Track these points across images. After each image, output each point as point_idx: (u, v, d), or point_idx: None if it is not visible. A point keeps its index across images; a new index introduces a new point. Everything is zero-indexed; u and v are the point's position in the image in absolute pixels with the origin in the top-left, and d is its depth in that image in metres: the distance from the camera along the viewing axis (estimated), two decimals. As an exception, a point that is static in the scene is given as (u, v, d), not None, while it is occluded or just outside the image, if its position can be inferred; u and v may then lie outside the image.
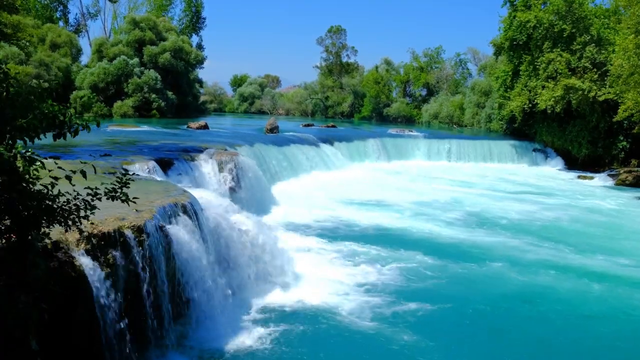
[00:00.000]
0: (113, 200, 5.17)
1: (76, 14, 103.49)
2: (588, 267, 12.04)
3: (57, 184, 4.69)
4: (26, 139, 4.46)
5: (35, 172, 4.56)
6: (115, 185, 5.19)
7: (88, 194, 5.02)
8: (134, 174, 5.63)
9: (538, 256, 12.74)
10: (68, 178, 4.72)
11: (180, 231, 7.67)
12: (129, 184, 5.26)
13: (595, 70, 29.07)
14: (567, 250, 13.38)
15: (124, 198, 5.19)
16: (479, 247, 13.31)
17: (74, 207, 4.87)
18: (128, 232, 6.56)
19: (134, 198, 5.35)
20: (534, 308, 9.71)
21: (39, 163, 4.52)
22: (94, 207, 5.02)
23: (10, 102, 4.26)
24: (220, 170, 15.04)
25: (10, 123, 4.24)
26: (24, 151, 4.45)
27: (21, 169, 4.47)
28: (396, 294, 9.85)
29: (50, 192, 4.68)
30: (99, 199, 5.07)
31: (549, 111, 30.40)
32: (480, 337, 8.48)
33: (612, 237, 15.23)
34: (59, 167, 4.72)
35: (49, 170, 4.65)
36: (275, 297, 9.35)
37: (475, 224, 15.99)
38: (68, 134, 4.61)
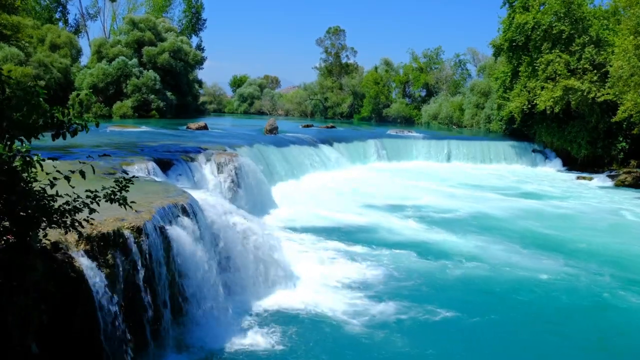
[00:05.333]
0: (112, 203, 5.18)
1: (75, 14, 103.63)
2: (587, 269, 11.98)
3: (55, 184, 4.69)
4: (24, 139, 4.45)
5: (33, 170, 4.56)
6: (115, 188, 5.20)
7: (87, 197, 5.03)
8: (133, 176, 5.63)
9: (537, 258, 12.68)
10: (67, 179, 4.72)
11: (180, 232, 7.66)
12: (128, 187, 5.27)
13: (595, 71, 29.09)
14: (566, 252, 13.32)
15: (122, 202, 5.20)
16: (479, 250, 13.24)
17: (73, 210, 4.87)
18: (127, 233, 6.56)
19: (131, 202, 5.35)
20: (534, 311, 9.66)
21: (38, 164, 4.52)
22: (93, 210, 5.02)
23: (7, 102, 4.26)
24: (220, 171, 15.04)
25: (8, 121, 4.23)
26: (23, 151, 4.45)
27: (20, 169, 4.47)
28: (397, 296, 9.83)
29: (48, 194, 4.68)
30: (98, 203, 5.08)
31: (548, 112, 30.42)
32: (483, 342, 8.44)
33: (613, 238, 15.18)
34: (58, 171, 4.71)
35: (47, 174, 4.65)
36: (275, 298, 9.34)
37: (473, 225, 15.90)
38: (67, 134, 4.60)
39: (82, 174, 4.77)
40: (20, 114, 4.27)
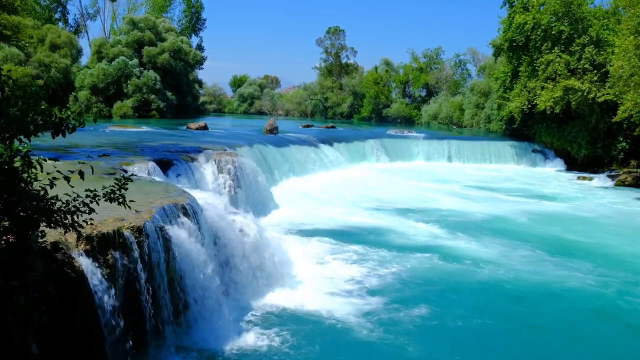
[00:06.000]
0: (111, 202, 5.19)
1: (75, 14, 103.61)
2: (615, 276, 11.61)
3: (55, 184, 4.69)
4: (23, 138, 4.45)
5: (33, 171, 4.56)
6: (114, 187, 5.21)
7: (87, 196, 5.03)
8: (132, 174, 5.64)
9: (562, 264, 12.36)
10: (67, 179, 4.72)
11: (180, 232, 7.66)
12: (127, 185, 5.27)
13: (595, 71, 29.09)
14: (591, 257, 13.00)
15: (121, 200, 5.21)
16: (500, 255, 12.81)
17: (73, 209, 4.87)
18: (127, 233, 6.56)
19: (130, 201, 5.37)
20: (563, 319, 9.42)
21: (38, 164, 4.52)
22: (92, 210, 5.02)
23: (5, 101, 4.26)
24: (220, 171, 15.03)
25: (7, 120, 4.23)
26: (23, 152, 4.45)
27: (20, 169, 4.47)
28: (396, 296, 9.81)
29: (48, 194, 4.68)
30: (98, 202, 5.08)
31: (549, 112, 30.43)
32: (481, 344, 8.39)
33: (612, 238, 15.12)
34: (58, 171, 4.71)
35: (47, 173, 4.65)
36: (274, 299, 9.34)
37: (488, 229, 15.54)
38: (67, 133, 4.60)
39: (81, 174, 4.76)
40: (16, 109, 4.27)
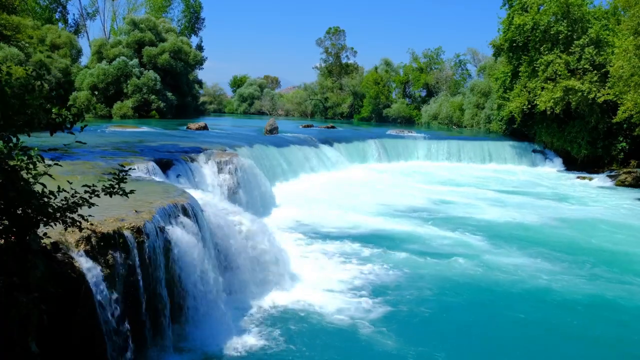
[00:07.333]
0: (111, 196, 5.19)
1: (75, 14, 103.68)
2: (583, 270, 11.82)
3: (51, 176, 4.70)
4: (22, 135, 4.47)
5: (33, 171, 4.57)
6: (113, 181, 5.23)
7: (86, 191, 5.04)
8: (130, 168, 5.66)
9: (539, 262, 12.41)
10: (57, 164, 4.74)
11: (180, 232, 7.66)
12: (126, 179, 5.29)
13: (595, 71, 29.08)
14: (565, 253, 13.19)
15: (121, 192, 5.22)
16: (516, 260, 12.44)
17: (72, 205, 4.88)
18: (127, 233, 6.56)
19: (130, 191, 5.40)
20: (530, 315, 9.42)
21: (37, 162, 4.53)
22: (92, 205, 5.03)
23: (4, 99, 4.26)
24: (220, 171, 15.03)
25: (6, 119, 4.24)
26: (20, 146, 4.46)
27: (23, 167, 4.48)
28: (396, 297, 9.80)
29: (48, 190, 4.69)
30: (97, 196, 5.09)
31: (549, 112, 30.42)
32: (484, 345, 8.42)
33: (612, 238, 15.10)
34: (56, 164, 4.72)
35: (44, 170, 4.66)
36: (274, 298, 9.34)
37: (475, 229, 15.60)
38: (66, 131, 4.61)
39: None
40: (12, 99, 4.28)
